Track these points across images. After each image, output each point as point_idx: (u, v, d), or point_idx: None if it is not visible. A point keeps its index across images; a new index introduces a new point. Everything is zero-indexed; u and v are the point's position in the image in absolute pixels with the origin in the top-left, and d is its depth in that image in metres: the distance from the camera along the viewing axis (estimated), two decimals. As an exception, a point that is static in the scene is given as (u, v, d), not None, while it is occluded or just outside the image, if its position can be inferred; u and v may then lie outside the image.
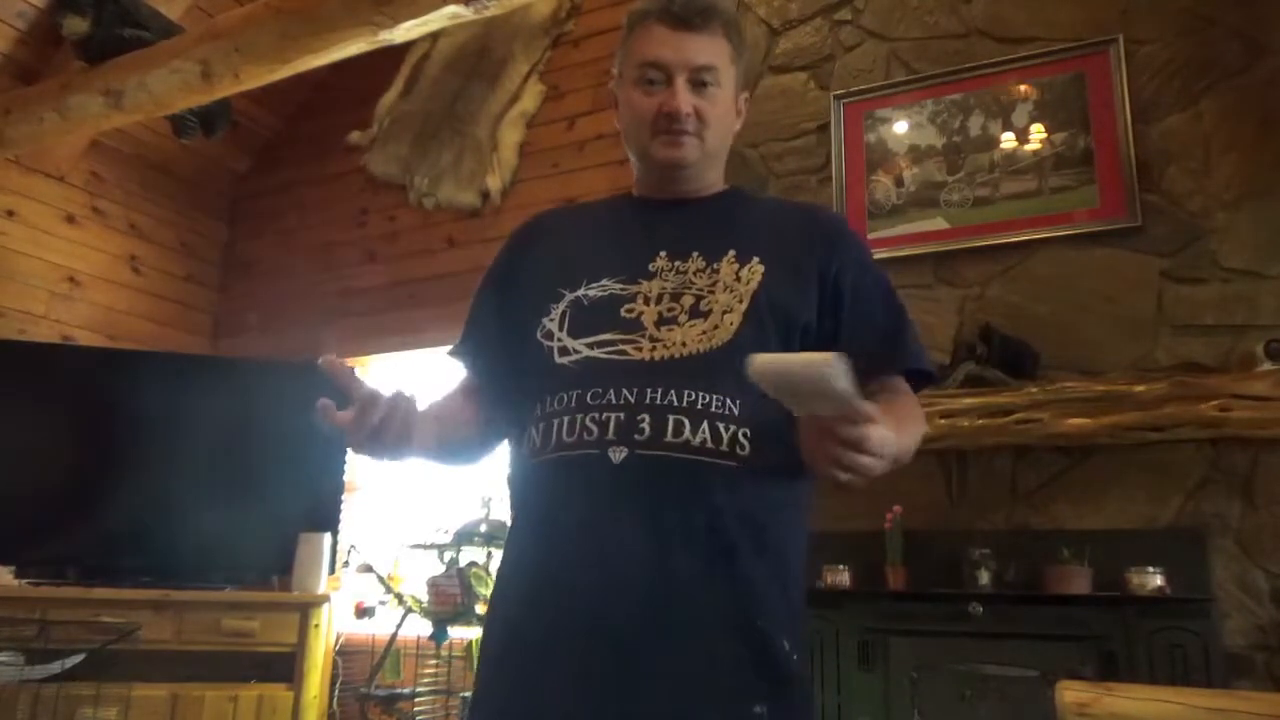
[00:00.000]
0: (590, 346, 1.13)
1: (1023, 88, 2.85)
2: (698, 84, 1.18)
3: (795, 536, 1.13)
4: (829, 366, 0.82)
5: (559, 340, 1.15)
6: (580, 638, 1.02)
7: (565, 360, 1.13)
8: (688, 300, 1.13)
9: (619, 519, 1.04)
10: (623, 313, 1.14)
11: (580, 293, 1.17)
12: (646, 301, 1.14)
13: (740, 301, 1.12)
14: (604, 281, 1.17)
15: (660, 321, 1.12)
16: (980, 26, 2.96)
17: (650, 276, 1.16)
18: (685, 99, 1.17)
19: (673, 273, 1.16)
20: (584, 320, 1.15)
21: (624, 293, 1.15)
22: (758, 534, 1.06)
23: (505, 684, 1.08)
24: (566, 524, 1.07)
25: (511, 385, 1.18)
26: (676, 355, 1.10)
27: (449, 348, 1.30)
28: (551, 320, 1.16)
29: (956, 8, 3.01)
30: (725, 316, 1.11)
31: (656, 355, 1.10)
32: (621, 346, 1.11)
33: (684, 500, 1.04)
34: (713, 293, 1.13)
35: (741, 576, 1.04)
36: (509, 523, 1.20)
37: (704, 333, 1.11)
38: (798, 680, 1.06)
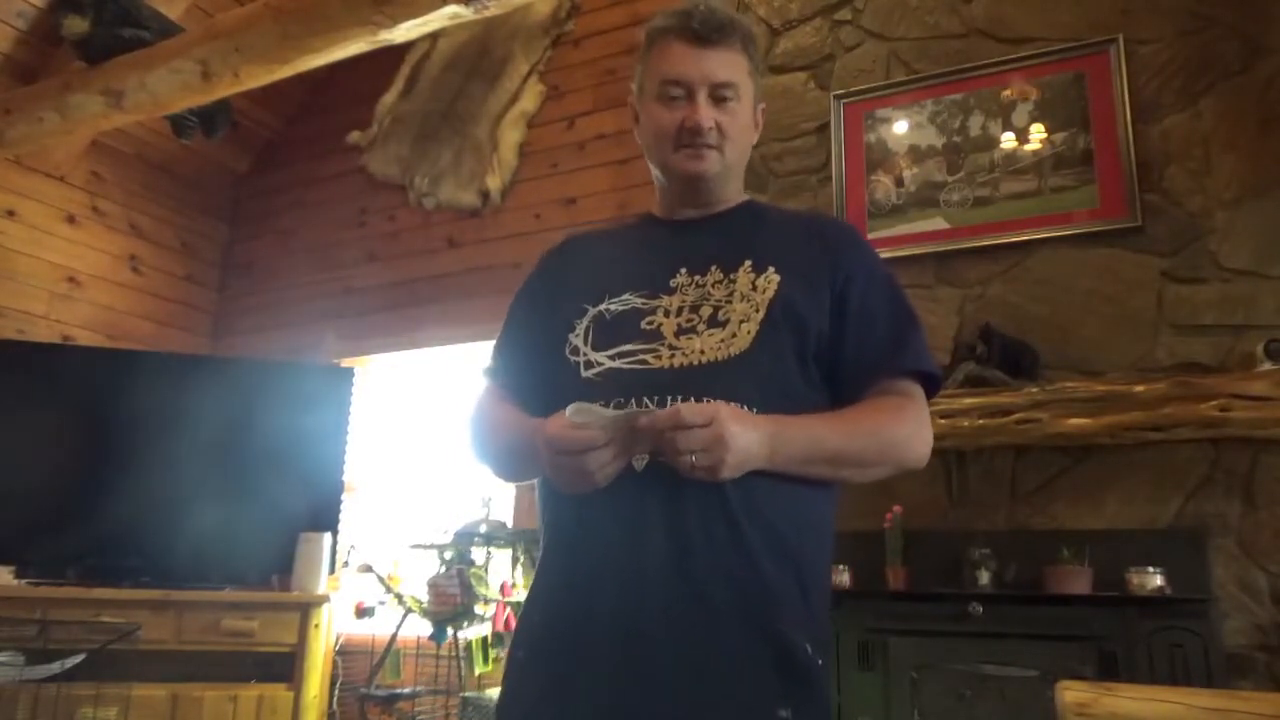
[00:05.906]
0: (612, 358, 1.15)
1: (1023, 88, 2.85)
2: (718, 99, 1.20)
3: (815, 540, 1.13)
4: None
5: (584, 355, 1.17)
6: (606, 642, 1.04)
7: (589, 374, 1.15)
8: (706, 311, 1.15)
9: (642, 526, 1.05)
10: (643, 325, 1.16)
11: (603, 307, 1.19)
12: (666, 314, 1.16)
13: (757, 310, 1.14)
14: (625, 295, 1.19)
15: (679, 332, 1.14)
16: (980, 26, 2.96)
17: (671, 291, 1.18)
18: (707, 113, 1.19)
19: (692, 287, 1.18)
20: (606, 333, 1.17)
21: (645, 306, 1.18)
22: (775, 538, 1.07)
23: (533, 687, 1.09)
24: (591, 531, 1.09)
25: (542, 402, 1.18)
26: (695, 363, 1.11)
27: (484, 366, 1.31)
28: (577, 336, 1.19)
29: (956, 8, 3.01)
30: (742, 325, 1.13)
31: (675, 363, 1.12)
32: (642, 356, 1.13)
33: (704, 505, 1.05)
34: (729, 302, 1.15)
35: (760, 579, 1.05)
36: (541, 534, 1.21)
37: (722, 341, 1.12)
38: (820, 683, 1.07)
